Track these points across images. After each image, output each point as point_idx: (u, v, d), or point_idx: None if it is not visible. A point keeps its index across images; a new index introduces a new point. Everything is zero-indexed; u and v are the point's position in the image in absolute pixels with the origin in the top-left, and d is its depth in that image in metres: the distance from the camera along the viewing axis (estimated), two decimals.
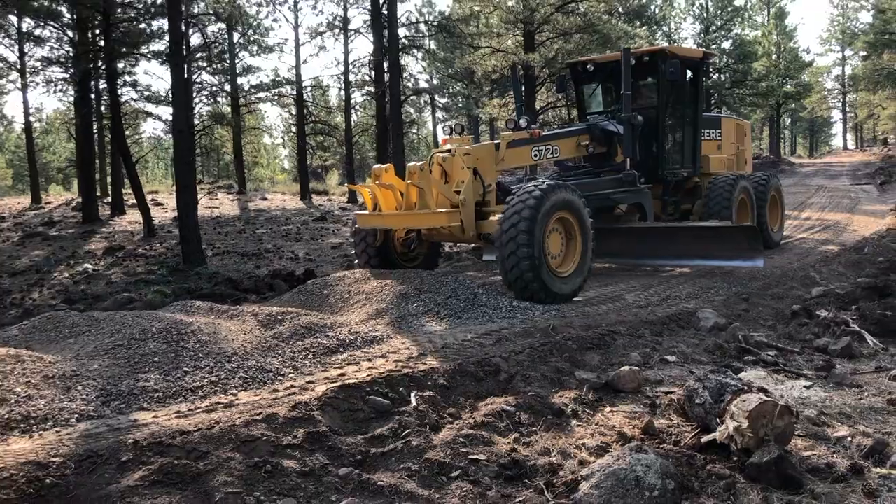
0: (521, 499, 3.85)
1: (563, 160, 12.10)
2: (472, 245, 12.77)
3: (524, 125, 9.97)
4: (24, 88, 30.30)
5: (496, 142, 9.66)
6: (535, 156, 10.12)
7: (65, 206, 28.16)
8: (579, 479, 4.00)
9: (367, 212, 9.39)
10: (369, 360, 5.76)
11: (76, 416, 4.43)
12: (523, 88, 14.43)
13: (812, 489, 3.88)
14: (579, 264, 8.63)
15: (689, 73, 12.49)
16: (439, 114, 49.22)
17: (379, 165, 9.66)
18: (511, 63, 20.54)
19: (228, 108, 32.11)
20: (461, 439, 4.46)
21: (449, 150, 9.03)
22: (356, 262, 10.07)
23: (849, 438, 4.53)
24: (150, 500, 3.58)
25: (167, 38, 17.36)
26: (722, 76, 46.56)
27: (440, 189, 8.70)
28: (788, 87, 50.05)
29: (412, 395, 5.05)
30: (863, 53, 47.64)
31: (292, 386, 5.06)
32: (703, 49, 13.90)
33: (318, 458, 4.16)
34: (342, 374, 5.33)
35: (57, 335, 6.10)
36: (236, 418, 4.39)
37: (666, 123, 12.19)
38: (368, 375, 5.27)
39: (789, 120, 73.71)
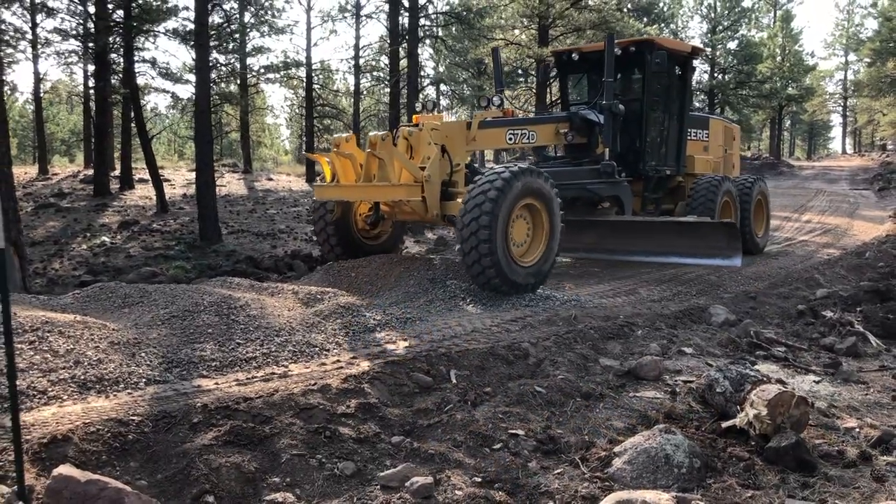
0: (559, 471, 4.20)
1: (542, 149, 12.04)
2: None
3: (497, 103, 9.68)
4: (34, 59, 30.40)
5: (468, 120, 9.28)
6: (510, 139, 9.76)
7: (72, 177, 28.34)
8: (612, 455, 4.36)
9: (325, 183, 8.91)
10: (405, 339, 6.10)
11: (144, 379, 4.76)
12: (535, 82, 14.24)
13: (825, 473, 4.25)
14: (544, 255, 8.31)
15: (677, 69, 12.19)
16: (444, 101, 49.43)
17: (340, 135, 9.13)
18: (525, 55, 20.75)
19: (234, 88, 32.26)
20: (500, 415, 4.83)
21: (416, 125, 8.72)
22: (315, 238, 9.58)
23: (857, 429, 4.91)
24: (225, 458, 3.92)
25: (183, 15, 17.58)
26: (726, 76, 46.89)
27: (405, 163, 8.21)
28: (791, 89, 50.40)
29: (451, 372, 5.41)
30: (867, 60, 47.91)
31: (338, 360, 5.40)
32: (693, 44, 13.47)
33: (371, 426, 4.51)
34: (382, 352, 5.68)
35: (111, 304, 6.43)
36: (293, 387, 4.74)
37: (650, 117, 11.80)
38: (408, 353, 5.62)
39: (789, 122, 74.03)
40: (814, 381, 5.99)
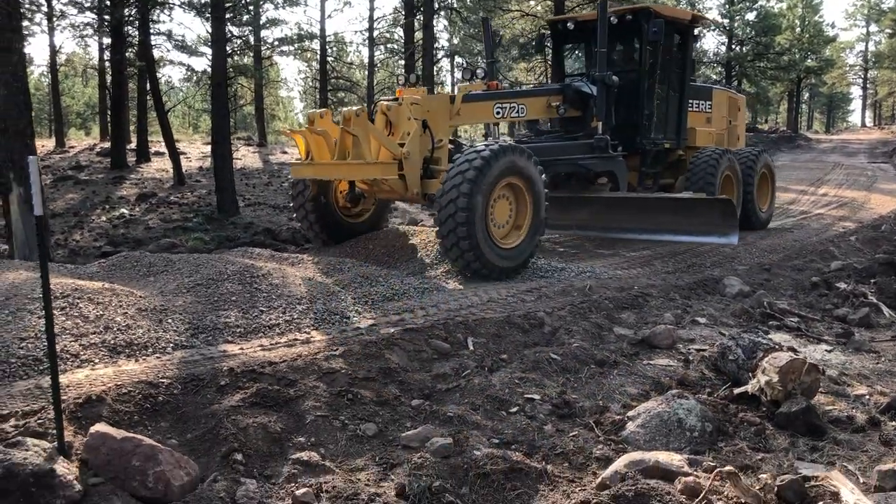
0: (574, 433, 4.33)
1: (536, 123, 11.64)
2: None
3: (481, 75, 9.26)
4: (50, 32, 30.51)
5: (451, 94, 8.88)
6: (498, 113, 9.31)
7: (88, 150, 28.58)
8: (626, 419, 4.49)
9: (300, 161, 8.54)
10: (423, 308, 6.23)
11: (171, 344, 4.92)
12: (550, 54, 13.55)
13: (834, 437, 4.36)
14: (527, 237, 7.91)
15: (677, 37, 11.74)
16: (459, 74, 49.23)
17: (315, 110, 8.70)
18: (540, 27, 20.57)
19: (249, 60, 32.28)
20: (516, 380, 4.96)
21: (396, 100, 8.33)
22: (294, 216, 9.32)
23: (867, 396, 5.01)
24: (252, 418, 4.07)
25: None
26: (744, 48, 46.36)
27: (382, 140, 7.84)
28: (810, 61, 49.79)
29: (468, 339, 5.54)
30: (889, 31, 47.21)
31: (359, 328, 5.54)
32: (693, 11, 12.99)
33: (392, 390, 4.65)
34: (401, 320, 5.81)
35: (136, 273, 6.59)
36: (316, 353, 4.89)
37: (648, 89, 11.31)
38: (426, 321, 5.76)
39: (807, 95, 73.22)
40: (826, 351, 6.08)
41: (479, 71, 9.44)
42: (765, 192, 13.27)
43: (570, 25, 11.58)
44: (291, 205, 9.24)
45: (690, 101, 12.26)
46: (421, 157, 8.03)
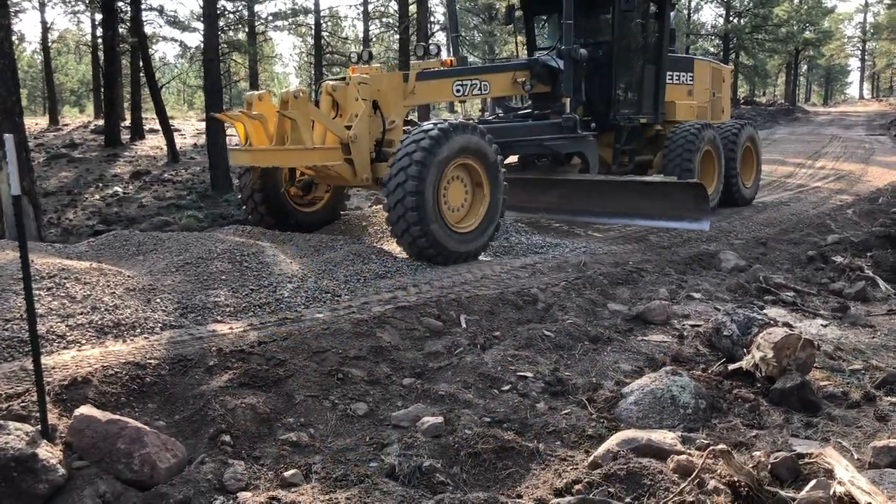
0: (566, 411, 4.29)
1: (506, 99, 11.05)
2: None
3: (434, 52, 8.68)
4: (41, 8, 30.20)
5: (404, 72, 8.37)
6: (458, 91, 8.77)
7: (82, 128, 28.39)
8: (619, 396, 4.45)
9: (239, 147, 7.89)
10: (415, 285, 6.17)
11: (160, 324, 4.86)
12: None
13: (829, 413, 4.33)
14: (485, 220, 7.43)
15: (653, 7, 11.08)
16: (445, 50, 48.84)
17: (252, 92, 8.16)
18: None
19: (243, 36, 31.98)
20: (509, 358, 4.91)
21: (343, 79, 7.80)
22: (243, 208, 8.79)
23: (862, 371, 4.98)
24: (240, 399, 4.02)
25: None
26: (742, 20, 45.95)
27: (326, 123, 7.38)
28: (808, 33, 49.40)
29: (461, 317, 5.49)
30: (888, 2, 46.83)
31: (350, 305, 5.49)
32: None
33: (383, 368, 4.61)
34: (394, 297, 5.76)
35: (125, 252, 6.52)
36: (306, 332, 4.84)
37: (621, 61, 10.67)
38: (419, 299, 5.70)
39: (805, 67, 72.81)
40: (821, 325, 6.04)
41: (432, 47, 8.84)
42: (749, 167, 12.71)
43: None
44: (239, 196, 8.72)
45: (670, 73, 11.65)
46: (371, 140, 7.59)
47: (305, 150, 7.25)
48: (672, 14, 11.79)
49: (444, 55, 9.19)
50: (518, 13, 12.00)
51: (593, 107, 10.45)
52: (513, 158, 10.41)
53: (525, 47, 11.53)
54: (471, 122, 7.61)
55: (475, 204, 7.51)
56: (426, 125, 7.17)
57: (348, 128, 7.40)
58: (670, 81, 11.67)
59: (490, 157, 7.44)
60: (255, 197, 8.39)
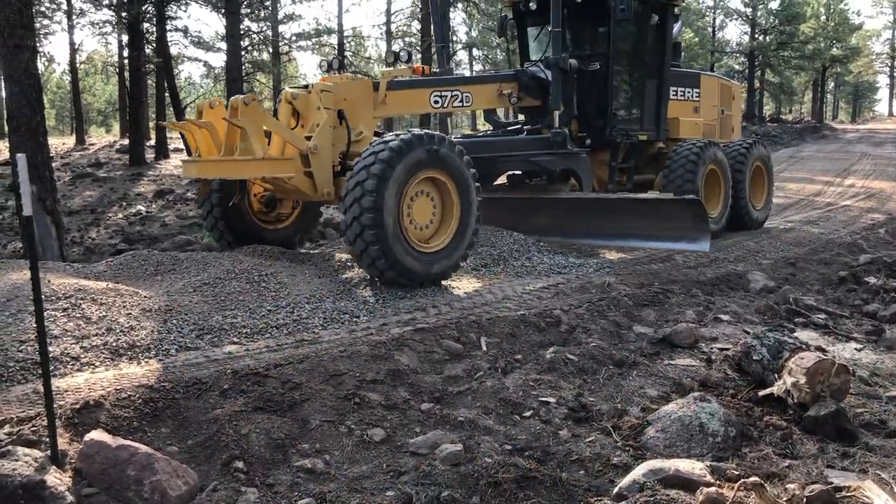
0: (590, 439, 4.14)
1: (494, 113, 10.64)
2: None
3: (405, 58, 8.10)
4: (70, 30, 30.72)
5: (375, 80, 7.83)
6: (437, 102, 8.27)
7: (108, 147, 28.73)
8: (645, 423, 4.29)
9: (190, 158, 7.33)
10: (435, 306, 6.06)
11: (175, 346, 4.79)
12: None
13: (866, 442, 4.13)
14: (454, 239, 6.85)
15: (654, 17, 10.51)
16: (477, 66, 48.94)
17: (205, 100, 7.65)
18: None
19: (266, 56, 32.28)
20: (531, 382, 4.77)
21: (306, 87, 7.32)
22: (204, 224, 8.26)
23: None
24: (255, 424, 3.93)
25: None
26: (767, 37, 45.68)
27: (281, 133, 6.89)
28: (836, 50, 48.98)
29: (482, 340, 5.36)
30: None
31: (368, 327, 5.38)
32: None
33: (401, 393, 4.49)
34: (412, 319, 5.65)
35: (143, 272, 6.48)
36: (323, 354, 4.73)
37: (617, 74, 10.14)
38: (438, 321, 5.58)
39: (832, 84, 72.12)
40: (855, 349, 5.83)
41: (402, 53, 8.18)
42: (760, 189, 11.91)
43: (533, 5, 10.31)
44: (200, 211, 8.14)
45: (674, 88, 11.12)
46: (336, 153, 7.09)
47: (254, 161, 6.69)
48: (676, 26, 11.33)
49: (416, 62, 8.66)
50: (511, 22, 11.26)
51: (588, 122, 9.97)
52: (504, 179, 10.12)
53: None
54: (438, 133, 7.04)
55: (445, 221, 6.96)
56: (388, 136, 6.68)
57: (309, 138, 6.90)
58: (674, 97, 11.14)
59: (462, 172, 6.89)
60: (215, 212, 7.89)
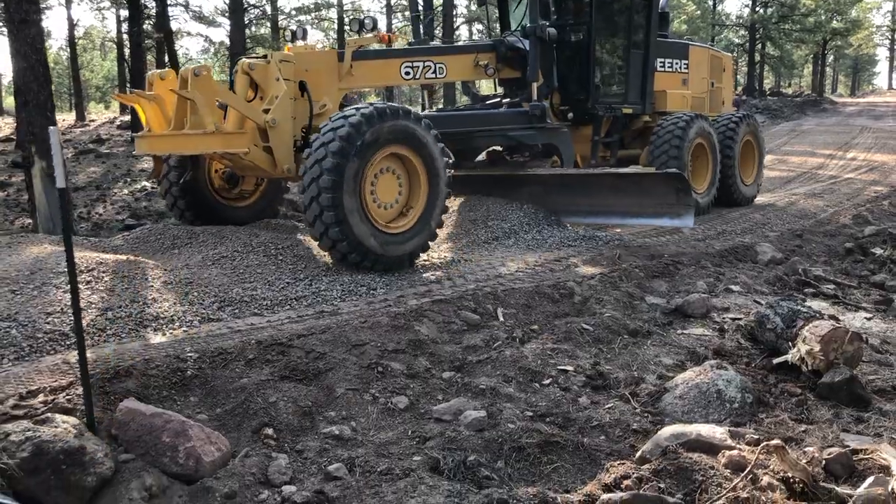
0: (609, 405, 4.23)
1: (472, 85, 10.29)
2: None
3: (370, 26, 7.52)
4: (67, 4, 30.48)
5: (339, 50, 7.52)
6: (408, 74, 7.92)
7: (108, 124, 28.62)
8: (662, 390, 4.38)
9: (140, 133, 7.02)
10: (450, 279, 6.13)
11: (198, 318, 4.86)
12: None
13: (879, 407, 4.22)
14: (422, 218, 6.54)
15: None
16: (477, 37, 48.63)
17: (155, 71, 7.31)
18: None
19: (265, 30, 32.11)
20: (548, 352, 4.85)
21: (264, 57, 6.88)
22: (164, 203, 8.07)
23: None
24: (282, 392, 4.00)
25: None
26: (768, 10, 45.37)
27: (235, 105, 6.43)
28: (836, 22, 48.67)
29: (498, 310, 5.43)
30: None
31: (386, 299, 5.45)
32: None
33: (422, 362, 4.57)
34: (429, 291, 5.72)
35: (160, 246, 6.54)
36: (344, 325, 4.80)
37: (600, 45, 9.75)
38: (454, 293, 5.65)
39: (832, 57, 71.79)
40: (865, 318, 5.93)
41: (367, 21, 7.59)
42: (750, 164, 11.72)
43: None
44: (158, 188, 7.74)
45: (661, 60, 10.67)
46: (297, 127, 6.71)
47: (205, 136, 6.29)
48: None
49: (382, 30, 8.04)
50: None
51: (570, 94, 9.56)
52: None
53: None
54: (402, 106, 6.69)
55: (412, 199, 6.62)
56: (348, 110, 6.28)
57: (267, 111, 6.48)
58: (661, 69, 10.70)
59: (429, 147, 6.53)
60: (174, 191, 7.58)
